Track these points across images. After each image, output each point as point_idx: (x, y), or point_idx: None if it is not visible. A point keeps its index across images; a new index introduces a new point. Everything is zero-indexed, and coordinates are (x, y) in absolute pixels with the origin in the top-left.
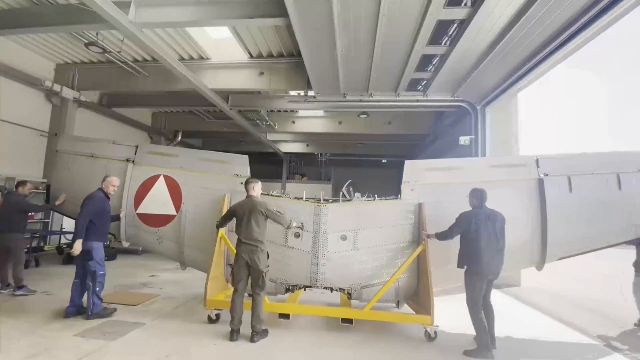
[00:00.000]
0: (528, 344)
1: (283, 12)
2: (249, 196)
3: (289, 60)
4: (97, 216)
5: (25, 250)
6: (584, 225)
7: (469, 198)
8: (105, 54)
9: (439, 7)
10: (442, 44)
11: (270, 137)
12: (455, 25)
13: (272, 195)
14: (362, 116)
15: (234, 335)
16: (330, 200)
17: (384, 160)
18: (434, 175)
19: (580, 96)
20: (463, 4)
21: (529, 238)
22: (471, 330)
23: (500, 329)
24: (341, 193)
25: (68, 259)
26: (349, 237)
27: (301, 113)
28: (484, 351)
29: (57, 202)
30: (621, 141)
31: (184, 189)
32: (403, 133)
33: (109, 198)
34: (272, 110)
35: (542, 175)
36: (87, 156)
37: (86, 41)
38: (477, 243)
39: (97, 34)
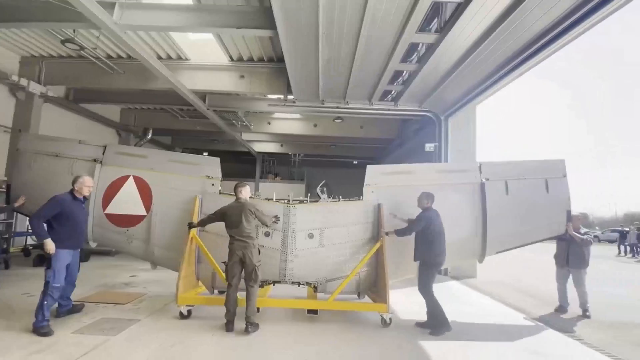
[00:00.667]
0: (476, 326)
1: (271, 25)
2: (238, 199)
3: (270, 66)
4: (59, 220)
5: None
6: (518, 223)
7: (420, 200)
8: (81, 50)
9: (412, 32)
10: (413, 62)
11: (245, 136)
12: (425, 46)
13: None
14: (337, 120)
15: (229, 325)
16: (298, 201)
17: (355, 162)
18: (391, 179)
19: (532, 108)
20: (433, 31)
21: (472, 234)
22: (421, 317)
23: (458, 313)
24: (316, 193)
25: (39, 261)
26: (316, 235)
27: (278, 115)
28: (443, 328)
29: (16, 204)
30: (562, 148)
31: (154, 189)
32: (373, 137)
33: (82, 201)
34: (248, 112)
35: (484, 180)
36: (51, 156)
37: (62, 38)
38: (433, 238)
39: (74, 30)
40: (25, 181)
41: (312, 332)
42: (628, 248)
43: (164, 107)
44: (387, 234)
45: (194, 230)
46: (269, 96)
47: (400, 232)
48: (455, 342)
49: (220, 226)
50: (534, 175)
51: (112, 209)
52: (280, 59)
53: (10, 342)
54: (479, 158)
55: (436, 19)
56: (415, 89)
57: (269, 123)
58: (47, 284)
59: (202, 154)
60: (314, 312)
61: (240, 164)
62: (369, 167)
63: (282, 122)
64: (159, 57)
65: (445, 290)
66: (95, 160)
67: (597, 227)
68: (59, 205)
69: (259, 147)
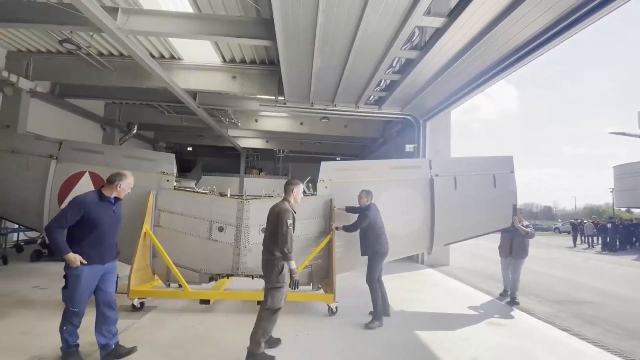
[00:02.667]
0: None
1: (269, 36)
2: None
3: (262, 68)
4: (81, 227)
5: None
6: (466, 216)
7: (360, 198)
8: (78, 49)
9: (397, 48)
10: (397, 72)
11: (232, 132)
12: (407, 60)
13: (198, 191)
14: (323, 120)
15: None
16: (252, 197)
17: (339, 158)
18: (346, 175)
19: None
20: (410, 48)
21: (421, 227)
22: (366, 306)
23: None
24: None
25: (37, 256)
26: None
27: (265, 112)
28: (380, 317)
29: None
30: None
31: None
32: (357, 136)
33: (113, 202)
34: (237, 110)
35: (433, 175)
36: (7, 152)
37: (60, 38)
38: (380, 231)
39: (70, 32)
40: None
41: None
42: (585, 239)
43: (151, 102)
44: (337, 229)
45: (147, 226)
46: (260, 96)
47: (347, 229)
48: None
49: (175, 221)
50: (483, 171)
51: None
52: (272, 62)
53: (43, 327)
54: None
55: (418, 37)
56: (398, 95)
57: (256, 120)
58: (65, 308)
59: (187, 149)
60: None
61: (224, 159)
62: (323, 163)
63: (270, 120)
64: (152, 56)
65: (423, 277)
66: (51, 157)
67: (559, 220)
68: (82, 207)
69: (244, 143)
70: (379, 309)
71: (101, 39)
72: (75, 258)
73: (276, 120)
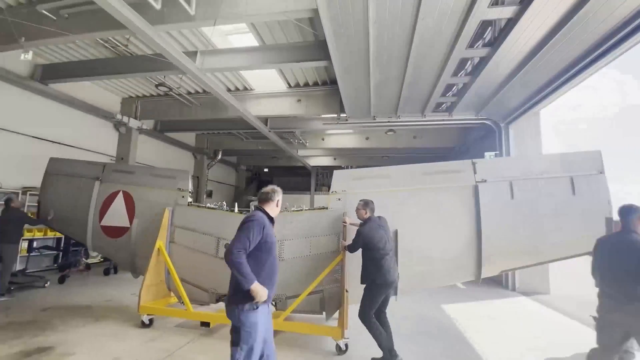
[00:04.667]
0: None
1: (326, 57)
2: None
3: (324, 88)
4: (257, 254)
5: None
6: (531, 235)
7: (357, 211)
8: (170, 90)
9: (462, 49)
10: (462, 75)
11: (301, 152)
12: (475, 60)
13: (207, 207)
14: (389, 133)
15: None
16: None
17: None
18: (362, 184)
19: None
20: (482, 45)
21: (462, 249)
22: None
23: (531, 335)
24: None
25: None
26: None
27: (330, 131)
28: (390, 355)
29: (49, 217)
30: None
31: (137, 203)
32: (429, 147)
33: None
34: (304, 131)
35: (478, 181)
36: (68, 176)
37: (156, 82)
38: (380, 254)
39: (164, 76)
40: (50, 199)
41: None
42: None
43: (231, 131)
44: (345, 247)
45: (160, 242)
46: (323, 115)
47: (348, 248)
48: None
49: (187, 238)
50: (554, 173)
51: (105, 221)
52: (333, 82)
53: (132, 334)
54: None
55: (489, 30)
56: (470, 99)
57: (323, 139)
58: None
59: (263, 170)
60: None
61: (296, 177)
62: (336, 171)
63: (335, 138)
64: (229, 90)
65: (510, 305)
66: (96, 179)
67: None
68: (263, 228)
69: (313, 162)
70: (385, 344)
71: (187, 79)
72: (264, 291)
73: (342, 137)
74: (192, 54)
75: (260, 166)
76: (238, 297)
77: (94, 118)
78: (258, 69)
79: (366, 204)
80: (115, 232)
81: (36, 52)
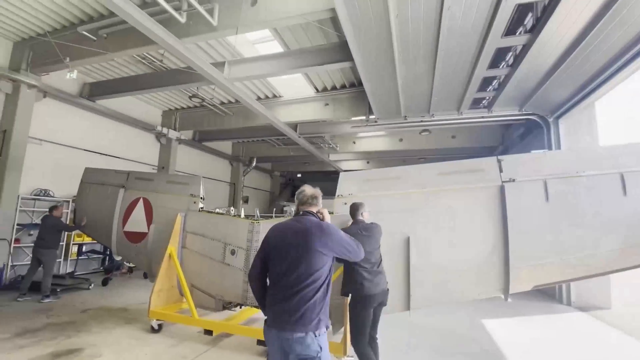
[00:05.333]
0: None
1: (349, 57)
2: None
3: (351, 91)
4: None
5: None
6: (570, 243)
7: (350, 213)
8: (203, 102)
9: (497, 37)
10: (503, 66)
11: (333, 157)
12: (518, 48)
13: (216, 213)
14: (423, 133)
15: None
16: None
17: None
18: (371, 187)
19: None
20: (521, 32)
21: (486, 259)
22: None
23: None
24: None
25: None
26: None
27: (362, 134)
28: None
29: (82, 223)
30: None
31: (154, 209)
32: (468, 146)
33: None
34: (334, 135)
35: (505, 181)
36: (98, 184)
37: (190, 94)
38: (355, 264)
39: (197, 88)
40: (85, 207)
41: None
42: None
43: (264, 138)
44: None
45: (172, 248)
46: (353, 118)
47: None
48: None
49: (197, 243)
50: (598, 170)
51: (127, 227)
52: (360, 83)
53: (156, 339)
54: None
55: (530, 16)
56: (510, 92)
57: (354, 142)
58: None
59: (297, 176)
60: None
61: (329, 182)
62: (342, 173)
63: (367, 141)
64: (259, 98)
65: (564, 322)
66: (122, 186)
67: None
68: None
69: (345, 166)
70: None
71: (220, 90)
72: None
73: (374, 140)
74: (221, 65)
75: (294, 172)
76: (315, 321)
77: (137, 130)
78: (283, 75)
79: (352, 206)
80: (136, 237)
81: (84, 71)
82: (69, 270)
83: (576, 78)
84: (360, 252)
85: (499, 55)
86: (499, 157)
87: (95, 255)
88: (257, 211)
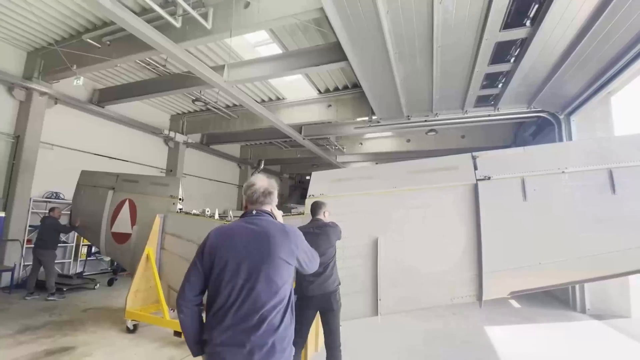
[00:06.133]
0: None
1: (344, 57)
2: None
3: (353, 91)
4: None
5: None
6: (551, 247)
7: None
8: (206, 105)
9: (495, 31)
10: (506, 61)
11: (340, 159)
12: (519, 42)
13: (192, 214)
14: (430, 134)
15: None
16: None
17: None
18: (343, 187)
19: None
20: (522, 25)
21: (457, 263)
22: None
23: None
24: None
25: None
26: None
27: (368, 135)
28: None
29: (76, 224)
30: None
31: (138, 210)
32: (479, 146)
33: None
34: (340, 136)
35: (479, 179)
36: (91, 186)
37: (193, 98)
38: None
39: (200, 91)
40: (79, 208)
41: None
42: None
43: (271, 141)
44: None
45: (150, 248)
46: (357, 119)
47: None
48: None
49: (174, 244)
50: (585, 166)
51: (114, 228)
52: None
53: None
54: None
55: (533, 6)
56: (516, 89)
57: (361, 144)
58: None
59: (305, 178)
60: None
61: None
62: (313, 173)
63: (374, 142)
64: (262, 101)
65: (575, 332)
66: (111, 188)
67: None
68: None
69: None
70: None
71: (223, 93)
72: None
73: (380, 141)
74: (221, 68)
75: (303, 174)
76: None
77: (145, 134)
78: (281, 77)
79: (313, 204)
80: (121, 238)
81: (93, 78)
82: (79, 270)
83: (587, 70)
84: (316, 264)
85: (503, 50)
86: (474, 153)
87: (104, 256)
88: (231, 212)
